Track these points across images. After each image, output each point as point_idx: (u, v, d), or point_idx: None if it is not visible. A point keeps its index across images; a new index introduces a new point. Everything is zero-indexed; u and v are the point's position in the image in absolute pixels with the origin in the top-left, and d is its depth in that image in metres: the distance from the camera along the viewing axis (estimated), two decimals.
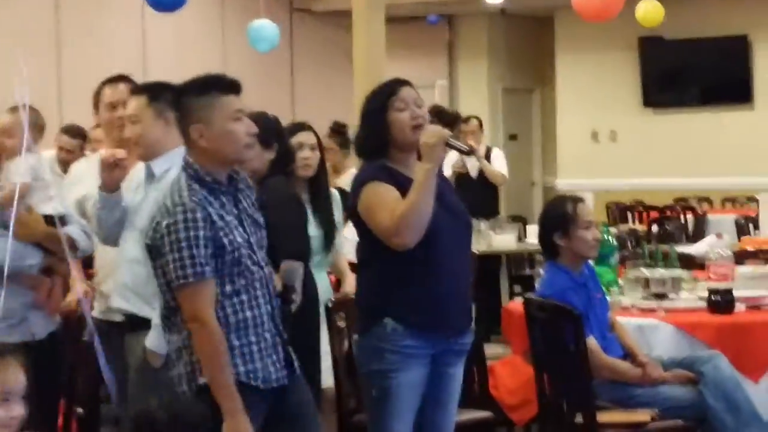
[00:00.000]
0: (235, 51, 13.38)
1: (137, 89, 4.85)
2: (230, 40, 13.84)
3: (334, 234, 5.58)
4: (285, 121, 5.40)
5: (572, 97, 15.66)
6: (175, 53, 13.09)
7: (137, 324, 4.53)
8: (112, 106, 5.16)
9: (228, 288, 3.80)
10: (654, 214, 11.90)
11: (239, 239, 3.81)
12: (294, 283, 4.05)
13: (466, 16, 16.20)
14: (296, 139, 5.52)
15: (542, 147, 17.05)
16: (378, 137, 4.42)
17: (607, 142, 15.56)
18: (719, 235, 6.14)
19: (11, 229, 4.54)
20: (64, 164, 8.62)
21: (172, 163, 4.52)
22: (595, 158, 15.51)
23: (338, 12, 13.66)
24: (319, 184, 5.59)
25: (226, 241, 3.77)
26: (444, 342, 4.41)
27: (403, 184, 4.33)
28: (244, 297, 3.83)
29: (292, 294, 4.06)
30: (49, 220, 4.71)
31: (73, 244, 4.76)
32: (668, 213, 11.89)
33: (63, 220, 4.77)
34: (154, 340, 4.28)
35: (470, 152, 4.68)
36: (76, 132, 8.86)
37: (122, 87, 5.15)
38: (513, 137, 16.55)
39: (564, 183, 15.27)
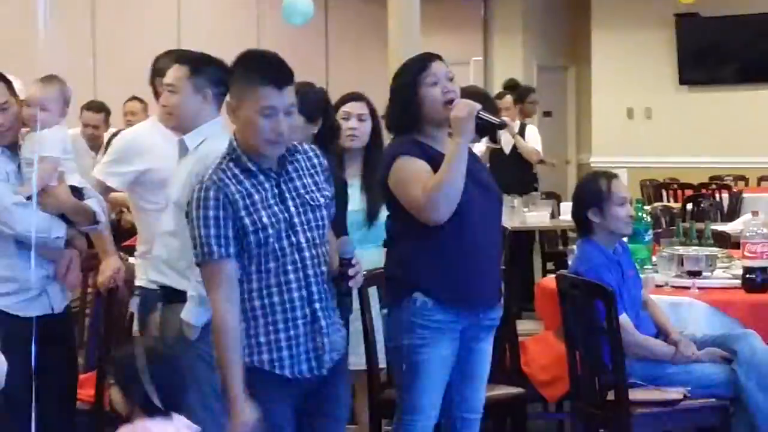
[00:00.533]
0: (270, 25, 13.35)
1: (181, 58, 4.70)
2: (265, 14, 13.81)
3: (379, 209, 5.34)
4: None
5: (607, 75, 15.55)
6: (210, 27, 13.08)
7: (173, 296, 4.48)
8: None
9: (254, 269, 3.65)
10: (688, 192, 11.82)
11: (266, 219, 3.62)
12: (350, 256, 3.77)
13: None
14: (344, 109, 5.43)
15: (577, 124, 16.96)
16: (409, 112, 4.39)
17: (642, 120, 15.47)
18: (755, 213, 6.05)
19: (47, 200, 4.56)
20: (91, 140, 8.77)
21: (205, 135, 4.50)
22: (630, 136, 15.41)
23: None
24: (371, 156, 5.42)
25: (248, 220, 3.60)
26: (473, 317, 4.40)
27: (435, 159, 4.31)
28: (273, 281, 3.65)
29: (349, 269, 3.78)
30: (73, 191, 4.72)
31: (94, 217, 4.77)
32: (703, 191, 11.80)
33: (82, 193, 4.79)
34: (189, 312, 4.27)
35: (503, 125, 4.62)
36: (98, 107, 9.04)
37: None
38: (547, 114, 16.46)
39: (598, 160, 15.19)
